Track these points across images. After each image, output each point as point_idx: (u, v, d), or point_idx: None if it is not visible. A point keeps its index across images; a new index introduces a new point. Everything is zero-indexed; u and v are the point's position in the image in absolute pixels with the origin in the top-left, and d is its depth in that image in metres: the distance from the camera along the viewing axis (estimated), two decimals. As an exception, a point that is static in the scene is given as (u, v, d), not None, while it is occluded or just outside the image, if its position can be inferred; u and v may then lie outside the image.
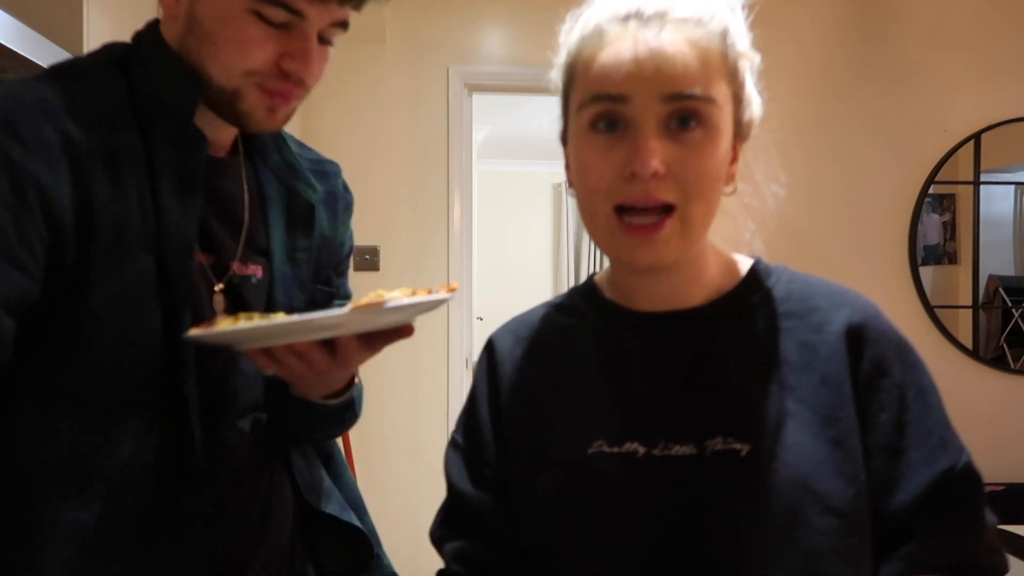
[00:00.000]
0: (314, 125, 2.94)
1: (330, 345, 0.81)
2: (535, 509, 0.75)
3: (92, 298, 0.76)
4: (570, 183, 0.77)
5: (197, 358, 0.83)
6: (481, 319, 5.27)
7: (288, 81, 0.83)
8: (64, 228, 0.74)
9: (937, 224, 3.18)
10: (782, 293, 0.76)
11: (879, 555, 0.69)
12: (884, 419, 0.70)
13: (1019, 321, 3.14)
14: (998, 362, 3.15)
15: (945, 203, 3.18)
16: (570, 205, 6.12)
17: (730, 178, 0.74)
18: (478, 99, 3.14)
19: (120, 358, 0.78)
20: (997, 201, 3.19)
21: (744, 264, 0.79)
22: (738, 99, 0.72)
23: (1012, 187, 3.22)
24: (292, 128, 0.98)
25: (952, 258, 3.20)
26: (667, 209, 0.68)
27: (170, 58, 0.84)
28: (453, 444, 0.84)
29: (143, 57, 0.85)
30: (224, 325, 0.77)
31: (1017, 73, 3.14)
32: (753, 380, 0.71)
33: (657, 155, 0.66)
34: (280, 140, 0.97)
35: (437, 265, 3.04)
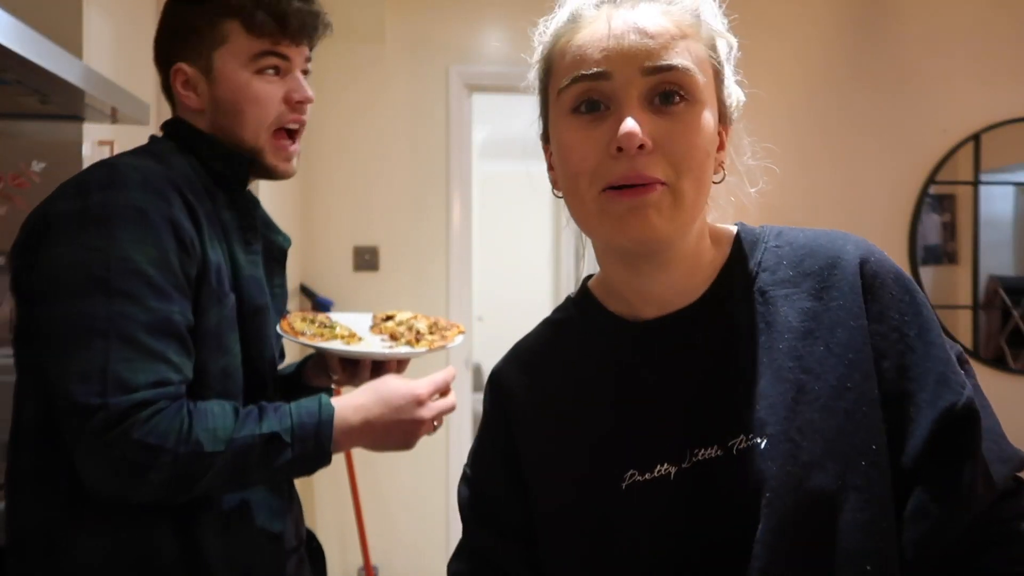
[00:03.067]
0: (315, 125, 2.93)
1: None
2: (569, 547, 0.74)
3: (201, 324, 0.97)
4: (554, 184, 0.75)
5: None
6: (481, 319, 5.27)
7: (298, 112, 1.10)
8: (198, 269, 0.97)
9: (937, 224, 3.18)
10: (772, 261, 0.74)
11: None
12: (887, 366, 0.68)
13: (1019, 321, 3.14)
14: (998, 362, 3.15)
15: (945, 203, 3.18)
16: (570, 205, 6.09)
17: (719, 165, 0.72)
18: (478, 99, 3.14)
19: (216, 371, 1.00)
20: (997, 201, 3.19)
21: (728, 235, 0.77)
22: (719, 77, 0.71)
23: (1012, 187, 3.22)
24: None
25: (952, 258, 3.20)
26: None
27: (217, 142, 1.08)
28: (464, 478, 0.83)
29: (191, 146, 1.08)
30: (299, 324, 1.15)
31: (1017, 73, 3.14)
32: (763, 365, 0.69)
33: (644, 128, 0.64)
34: (256, 200, 1.20)
35: (437, 265, 3.04)
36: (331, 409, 0.99)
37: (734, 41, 0.73)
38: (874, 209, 3.10)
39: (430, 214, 3.04)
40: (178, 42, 1.09)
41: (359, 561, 2.85)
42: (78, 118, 1.57)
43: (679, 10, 0.68)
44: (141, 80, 1.90)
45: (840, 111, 3.12)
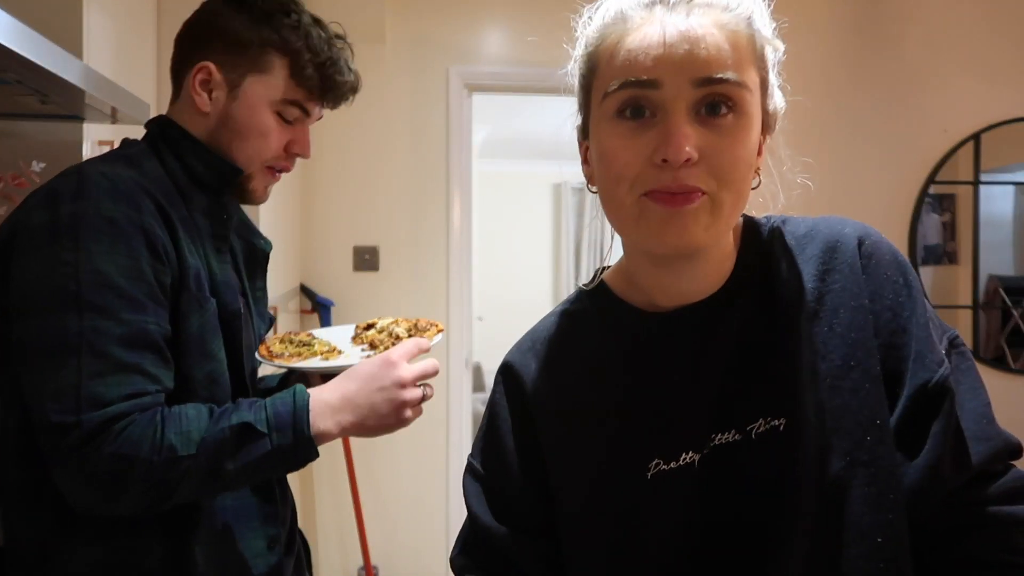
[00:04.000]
0: (314, 125, 2.93)
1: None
2: (596, 538, 0.74)
3: (183, 331, 0.96)
4: (589, 179, 0.75)
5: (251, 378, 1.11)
6: (481, 319, 5.28)
7: (290, 160, 1.14)
8: (174, 276, 0.96)
9: (937, 224, 3.18)
10: (779, 249, 0.76)
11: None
12: (879, 344, 0.70)
13: (1019, 321, 3.14)
14: (998, 362, 3.15)
15: (945, 203, 3.18)
16: (570, 205, 6.12)
17: (755, 172, 0.73)
18: (478, 99, 3.14)
19: (202, 378, 0.99)
20: (997, 201, 3.20)
21: (736, 225, 0.78)
22: (765, 86, 0.71)
23: (1012, 187, 3.22)
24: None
25: (952, 258, 3.20)
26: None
27: (206, 148, 1.07)
28: (472, 471, 0.82)
29: (173, 147, 1.07)
30: (277, 347, 1.16)
31: (1017, 73, 3.14)
32: (777, 349, 0.71)
33: (691, 140, 0.64)
34: (228, 207, 1.18)
35: (437, 265, 3.04)
36: (306, 395, 0.98)
37: (781, 46, 0.73)
38: (874, 209, 3.10)
39: (430, 214, 3.04)
40: (217, 43, 1.06)
41: (359, 561, 2.85)
42: (78, 118, 1.56)
43: (733, 19, 0.67)
44: (141, 80, 1.90)
45: (840, 111, 3.12)
